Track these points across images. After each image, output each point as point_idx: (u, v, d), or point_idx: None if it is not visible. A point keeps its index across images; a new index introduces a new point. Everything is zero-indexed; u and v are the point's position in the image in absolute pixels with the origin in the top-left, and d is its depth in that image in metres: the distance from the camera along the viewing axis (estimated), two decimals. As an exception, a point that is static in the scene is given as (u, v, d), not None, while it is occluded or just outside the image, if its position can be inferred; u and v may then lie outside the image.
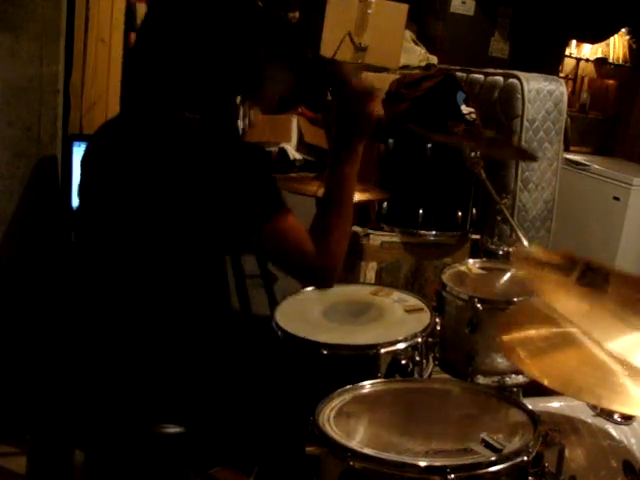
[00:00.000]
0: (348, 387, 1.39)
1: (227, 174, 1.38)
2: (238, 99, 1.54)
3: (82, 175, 1.53)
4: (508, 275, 2.02)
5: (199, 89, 1.43)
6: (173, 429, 1.39)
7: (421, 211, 2.73)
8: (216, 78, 1.43)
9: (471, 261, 2.11)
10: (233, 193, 1.38)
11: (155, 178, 1.39)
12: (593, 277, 1.17)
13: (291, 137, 3.19)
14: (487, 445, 1.16)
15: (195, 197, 1.37)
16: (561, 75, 4.70)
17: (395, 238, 2.77)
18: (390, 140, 2.78)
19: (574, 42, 4.88)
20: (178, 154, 1.38)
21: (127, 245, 1.42)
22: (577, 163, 4.06)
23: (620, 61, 4.99)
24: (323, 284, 1.52)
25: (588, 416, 1.63)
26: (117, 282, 1.44)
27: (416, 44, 3.65)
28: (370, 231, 2.75)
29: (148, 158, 1.40)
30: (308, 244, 1.43)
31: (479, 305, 1.78)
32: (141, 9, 2.69)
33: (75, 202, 2.48)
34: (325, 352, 1.57)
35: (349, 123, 1.53)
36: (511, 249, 2.15)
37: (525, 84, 3.03)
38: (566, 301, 1.19)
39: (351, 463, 1.13)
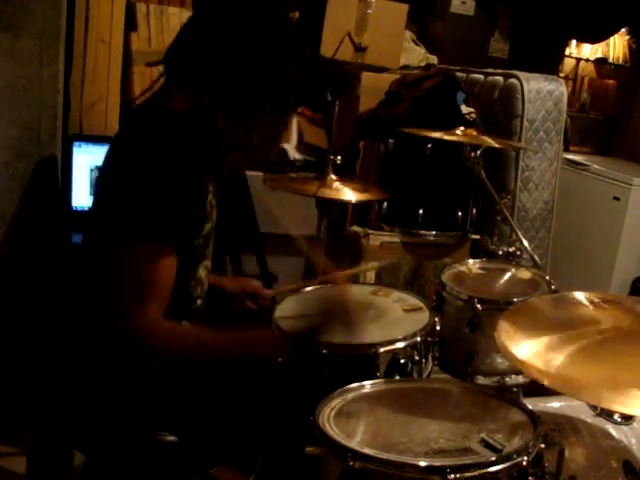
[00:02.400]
0: (348, 387, 1.39)
1: (135, 176, 1.31)
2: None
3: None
4: (508, 275, 2.02)
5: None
6: (173, 431, 1.39)
7: (421, 211, 2.73)
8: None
9: (471, 261, 2.11)
10: (124, 196, 1.30)
11: (109, 176, 1.42)
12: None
13: (291, 137, 3.19)
14: (487, 445, 1.16)
15: (110, 194, 1.37)
16: (561, 75, 4.69)
17: (395, 238, 2.77)
18: (390, 140, 2.78)
19: (574, 42, 4.87)
20: (124, 153, 1.39)
21: (90, 242, 1.45)
22: (577, 163, 4.06)
23: (620, 61, 4.99)
24: (122, 348, 1.27)
25: (588, 416, 1.63)
26: (85, 280, 1.47)
27: (416, 44, 3.65)
28: (370, 231, 2.75)
29: (117, 154, 1.43)
30: (145, 301, 1.24)
31: (479, 305, 1.78)
32: (141, 9, 2.69)
33: (79, 204, 2.49)
34: (325, 352, 1.57)
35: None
36: (511, 249, 2.15)
37: (525, 84, 3.03)
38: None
39: (351, 463, 1.13)
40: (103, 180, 1.47)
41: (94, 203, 1.48)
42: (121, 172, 1.36)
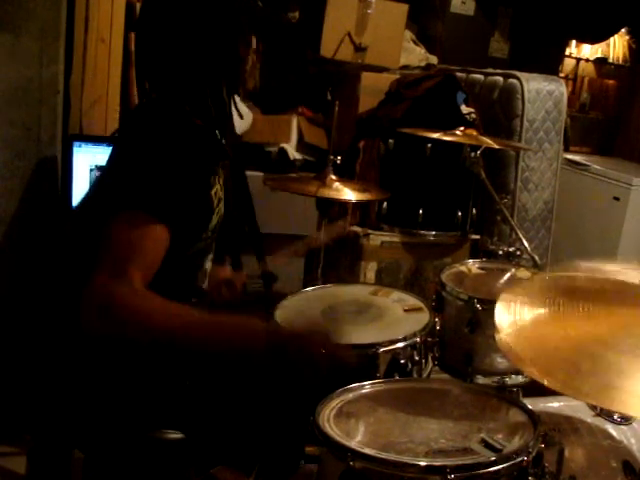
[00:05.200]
0: (348, 387, 1.39)
1: (134, 151, 1.33)
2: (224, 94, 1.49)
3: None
4: (508, 275, 2.02)
5: (181, 78, 1.43)
6: (173, 432, 1.39)
7: (421, 211, 2.73)
8: (194, 68, 1.42)
9: (471, 261, 2.11)
10: (132, 168, 1.30)
11: (116, 161, 1.42)
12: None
13: (291, 137, 3.19)
14: (487, 445, 1.16)
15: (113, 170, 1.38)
16: (561, 75, 4.69)
17: (395, 238, 2.77)
18: (390, 140, 2.78)
19: (574, 42, 4.87)
20: (124, 144, 1.41)
21: (87, 229, 1.45)
22: (577, 163, 4.06)
23: (620, 61, 4.99)
24: (81, 316, 1.19)
25: (588, 416, 1.62)
26: (81, 267, 1.46)
27: (416, 44, 3.65)
28: (370, 231, 2.75)
29: (118, 149, 1.44)
30: (126, 269, 1.18)
31: (479, 305, 1.78)
32: (141, 9, 2.69)
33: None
34: (324, 351, 1.57)
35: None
36: (511, 249, 2.15)
37: (525, 84, 3.03)
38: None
39: (351, 463, 1.13)
40: (105, 170, 1.48)
41: (90, 190, 1.50)
42: (126, 155, 1.37)
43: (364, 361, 1.57)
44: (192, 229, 1.40)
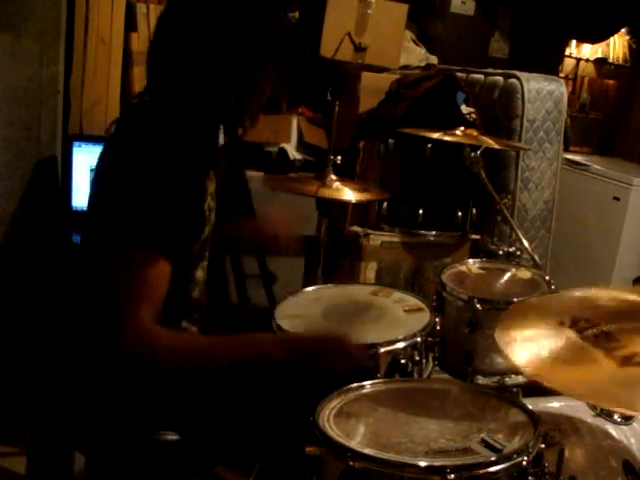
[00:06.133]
0: (348, 387, 1.39)
1: (134, 179, 1.28)
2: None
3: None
4: (508, 275, 2.02)
5: (196, 87, 1.42)
6: (173, 433, 1.39)
7: (421, 211, 2.73)
8: (212, 76, 1.42)
9: (471, 261, 2.11)
10: (122, 200, 1.27)
11: (109, 175, 1.40)
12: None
13: (291, 137, 3.19)
14: (487, 445, 1.16)
15: (110, 196, 1.34)
16: (561, 75, 4.69)
17: (395, 238, 2.77)
18: (390, 140, 2.78)
19: (574, 42, 4.87)
20: (124, 155, 1.37)
21: (88, 243, 1.45)
22: (577, 163, 4.06)
23: (620, 61, 4.98)
24: (107, 359, 1.25)
25: (588, 416, 1.62)
26: (82, 280, 1.46)
27: (416, 44, 3.65)
28: (370, 231, 2.75)
29: (114, 153, 1.42)
30: (137, 312, 1.20)
31: (479, 305, 1.78)
32: (141, 9, 2.69)
33: (79, 204, 2.49)
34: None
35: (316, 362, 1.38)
36: (511, 249, 2.15)
37: (525, 84, 3.03)
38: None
39: (351, 463, 1.13)
40: (99, 181, 1.45)
41: (90, 205, 1.47)
42: (119, 175, 1.34)
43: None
44: (186, 246, 1.38)
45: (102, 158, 1.45)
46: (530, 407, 1.31)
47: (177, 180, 1.29)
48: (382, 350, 1.57)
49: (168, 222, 1.27)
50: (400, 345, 1.60)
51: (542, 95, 3.07)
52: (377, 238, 2.74)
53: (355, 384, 1.41)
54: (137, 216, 1.26)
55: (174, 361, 1.26)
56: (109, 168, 1.40)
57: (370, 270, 2.73)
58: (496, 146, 2.33)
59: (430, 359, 1.73)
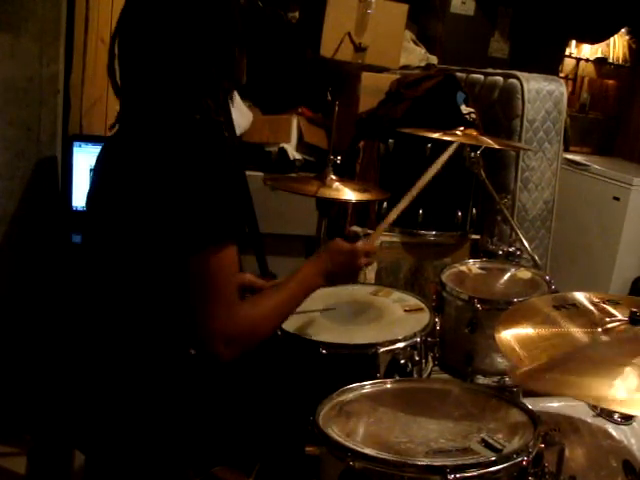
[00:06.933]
0: (348, 387, 1.39)
1: (183, 185, 1.29)
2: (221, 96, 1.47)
3: (91, 179, 1.52)
4: (508, 275, 2.02)
5: (179, 83, 1.39)
6: (173, 432, 1.39)
7: (421, 211, 2.73)
8: (193, 71, 1.38)
9: (471, 261, 2.11)
10: (179, 206, 1.28)
11: (130, 183, 1.37)
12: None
13: (291, 137, 3.19)
14: (487, 445, 1.17)
15: (150, 204, 1.32)
16: (561, 75, 4.69)
17: (395, 238, 2.77)
18: (390, 140, 2.78)
19: (574, 42, 4.87)
20: (151, 157, 1.34)
21: (121, 247, 1.42)
22: (577, 163, 4.06)
23: (620, 61, 4.98)
24: (215, 355, 1.29)
25: (588, 416, 1.63)
26: (112, 286, 1.44)
27: (416, 44, 3.65)
28: (370, 231, 2.75)
29: (128, 162, 1.39)
30: (226, 302, 1.28)
31: (479, 305, 1.78)
32: (141, 9, 2.69)
33: (79, 204, 2.49)
34: (324, 352, 1.57)
35: (335, 268, 1.56)
36: (511, 249, 2.15)
37: (525, 84, 3.03)
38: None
39: (351, 463, 1.13)
40: (127, 188, 1.38)
41: (116, 211, 1.41)
42: (166, 184, 1.30)
43: (364, 361, 1.57)
44: (242, 232, 1.43)
45: (117, 166, 1.41)
46: (530, 407, 1.31)
47: (222, 176, 1.32)
48: (382, 350, 1.57)
49: (229, 214, 1.32)
50: (400, 345, 1.60)
51: (542, 95, 3.07)
52: (377, 238, 2.74)
53: (355, 384, 1.41)
54: (202, 216, 1.28)
55: (269, 326, 1.38)
56: (142, 179, 1.34)
57: (370, 270, 2.73)
58: (496, 146, 2.33)
59: (430, 359, 1.73)
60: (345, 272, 1.60)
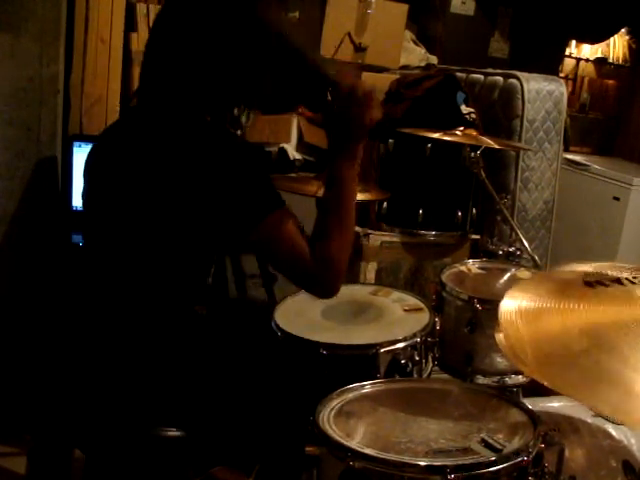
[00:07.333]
0: (348, 387, 1.39)
1: (224, 172, 1.36)
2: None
3: (88, 178, 1.51)
4: (508, 275, 2.02)
5: (208, 91, 1.42)
6: (173, 431, 1.39)
7: (421, 211, 2.74)
8: (226, 82, 1.43)
9: (471, 261, 2.11)
10: (229, 191, 1.36)
11: (157, 177, 1.38)
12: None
13: (291, 137, 3.19)
14: (487, 445, 1.17)
15: (192, 195, 1.36)
16: (561, 75, 4.69)
17: (395, 238, 2.77)
18: (390, 140, 2.78)
19: (574, 42, 4.87)
20: (178, 153, 1.38)
21: (126, 246, 1.42)
22: (577, 163, 4.06)
23: (620, 61, 4.98)
24: (324, 293, 1.44)
25: (588, 416, 1.63)
26: (117, 283, 1.44)
27: (416, 44, 3.65)
28: (370, 231, 2.75)
29: (150, 158, 1.40)
30: (303, 250, 1.39)
31: (478, 305, 1.78)
32: (141, 9, 2.69)
33: (79, 204, 2.48)
34: (324, 352, 1.57)
35: (346, 126, 1.54)
36: (511, 249, 2.15)
37: (525, 84, 3.03)
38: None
39: (351, 463, 1.13)
40: (144, 183, 1.40)
41: (127, 203, 1.42)
42: (204, 176, 1.36)
43: (364, 361, 1.57)
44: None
45: (128, 163, 1.42)
46: (530, 407, 1.31)
47: (255, 160, 1.42)
48: (382, 350, 1.57)
49: (271, 187, 1.42)
50: (400, 345, 1.60)
51: (542, 95, 3.07)
52: (377, 238, 2.75)
53: (355, 384, 1.41)
54: (253, 194, 1.38)
55: (344, 250, 1.43)
56: (172, 174, 1.38)
57: (370, 270, 2.74)
58: (496, 146, 2.33)
59: (430, 359, 1.74)
60: (359, 124, 1.61)
